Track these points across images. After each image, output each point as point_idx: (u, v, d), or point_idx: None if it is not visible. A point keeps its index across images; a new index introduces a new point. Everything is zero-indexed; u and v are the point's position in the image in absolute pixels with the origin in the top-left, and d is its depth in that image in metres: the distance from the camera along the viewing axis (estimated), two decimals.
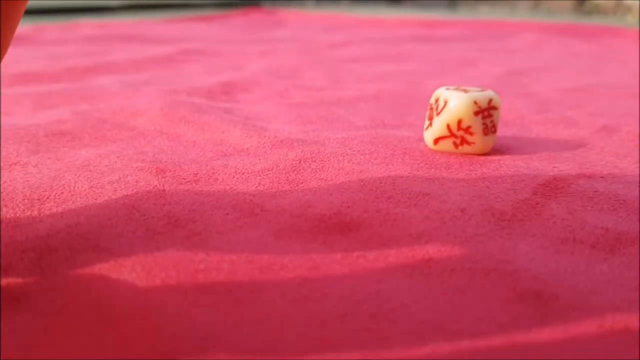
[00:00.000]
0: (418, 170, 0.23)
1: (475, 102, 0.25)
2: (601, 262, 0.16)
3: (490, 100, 0.25)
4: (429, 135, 0.26)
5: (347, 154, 0.25)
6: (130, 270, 0.16)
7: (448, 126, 0.25)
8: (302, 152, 0.25)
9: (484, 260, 0.16)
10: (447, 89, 0.26)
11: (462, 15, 1.21)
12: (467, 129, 0.25)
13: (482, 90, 0.26)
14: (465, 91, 0.26)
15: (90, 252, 0.17)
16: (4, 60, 0.51)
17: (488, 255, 0.16)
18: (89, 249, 0.17)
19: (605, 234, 0.18)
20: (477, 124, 0.25)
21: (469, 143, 0.26)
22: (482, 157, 0.25)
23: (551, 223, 0.19)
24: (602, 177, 0.23)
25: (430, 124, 0.26)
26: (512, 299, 0.15)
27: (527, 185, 0.22)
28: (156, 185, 0.22)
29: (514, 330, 0.13)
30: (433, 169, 0.23)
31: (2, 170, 0.23)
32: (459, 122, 0.25)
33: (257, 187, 0.22)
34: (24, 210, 0.20)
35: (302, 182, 0.22)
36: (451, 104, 0.25)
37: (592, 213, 0.19)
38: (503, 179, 0.23)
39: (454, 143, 0.26)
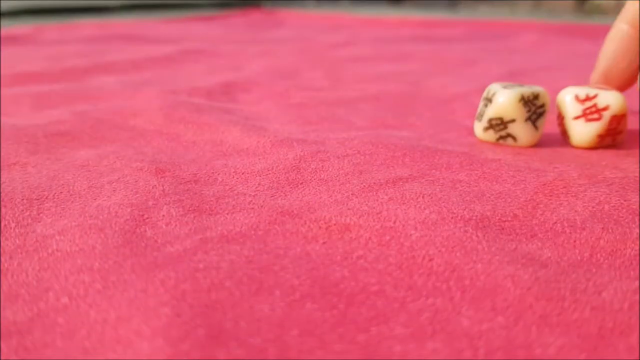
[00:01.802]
0: (418, 171, 0.23)
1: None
2: (602, 263, 0.16)
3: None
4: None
5: (347, 155, 0.25)
6: None
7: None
8: (302, 151, 0.25)
9: (484, 262, 0.16)
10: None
11: (463, 15, 1.21)
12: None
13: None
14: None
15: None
16: (2, 61, 0.51)
17: (489, 256, 0.16)
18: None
19: (605, 235, 0.18)
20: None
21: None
22: (482, 157, 0.25)
23: (552, 224, 0.19)
24: (603, 178, 0.23)
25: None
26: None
27: (529, 186, 0.22)
28: (155, 186, 0.21)
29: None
30: (434, 170, 0.23)
31: (1, 171, 0.23)
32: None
33: (257, 187, 0.22)
34: (22, 210, 0.20)
35: (302, 182, 0.22)
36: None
37: (593, 214, 0.19)
38: (504, 179, 0.23)
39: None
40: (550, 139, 0.29)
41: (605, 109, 0.26)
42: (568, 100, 0.27)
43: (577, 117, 0.27)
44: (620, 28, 0.29)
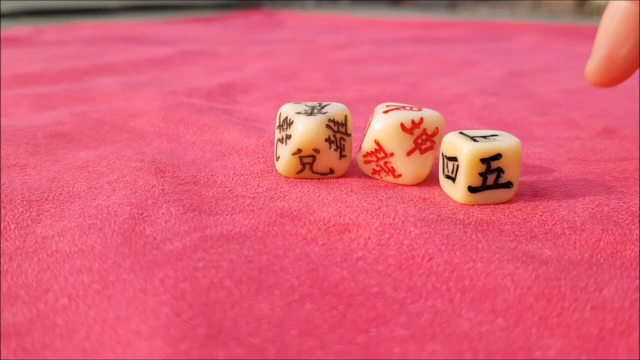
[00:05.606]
0: None
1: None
2: (602, 263, 0.16)
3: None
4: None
5: None
6: None
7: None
8: None
9: (484, 260, 0.16)
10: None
11: (463, 16, 1.21)
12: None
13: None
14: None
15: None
16: (2, 62, 0.51)
17: (489, 255, 0.16)
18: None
19: (605, 237, 0.18)
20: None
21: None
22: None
23: (552, 225, 0.19)
24: (603, 180, 0.23)
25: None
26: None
27: (528, 187, 0.22)
28: (155, 185, 0.21)
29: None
30: (432, 172, 0.23)
31: (1, 172, 0.23)
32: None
33: (256, 189, 0.21)
34: (22, 211, 0.20)
35: (301, 179, 0.22)
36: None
37: (592, 215, 0.19)
38: None
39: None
40: (548, 142, 0.29)
41: (435, 133, 0.21)
42: (393, 130, 0.21)
43: (410, 152, 0.21)
44: (618, 4, 0.24)
